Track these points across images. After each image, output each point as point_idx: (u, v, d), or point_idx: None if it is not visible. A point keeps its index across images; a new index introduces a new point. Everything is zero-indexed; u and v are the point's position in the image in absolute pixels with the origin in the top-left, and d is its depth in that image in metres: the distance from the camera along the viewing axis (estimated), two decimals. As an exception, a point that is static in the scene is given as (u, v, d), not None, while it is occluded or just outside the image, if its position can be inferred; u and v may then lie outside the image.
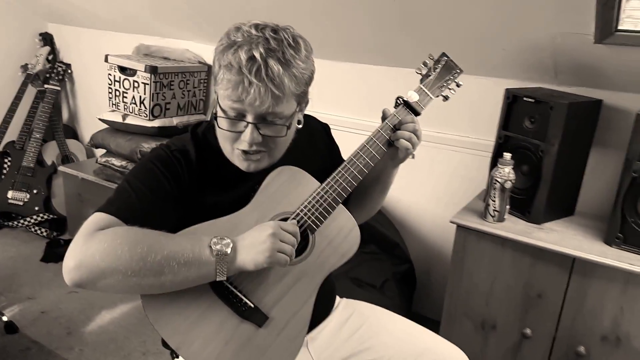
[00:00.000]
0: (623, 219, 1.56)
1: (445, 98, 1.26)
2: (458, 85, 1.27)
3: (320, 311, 1.24)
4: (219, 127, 1.03)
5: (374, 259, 2.03)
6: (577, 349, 1.59)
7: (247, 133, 1.00)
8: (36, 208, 2.96)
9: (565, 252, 1.55)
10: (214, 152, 1.09)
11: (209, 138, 1.11)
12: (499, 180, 1.65)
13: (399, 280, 2.04)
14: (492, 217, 1.69)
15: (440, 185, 2.19)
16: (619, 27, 1.45)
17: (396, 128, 1.15)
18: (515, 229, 1.67)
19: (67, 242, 2.78)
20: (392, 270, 2.04)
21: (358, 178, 1.11)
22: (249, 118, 0.99)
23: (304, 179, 1.12)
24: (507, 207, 1.69)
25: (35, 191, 2.98)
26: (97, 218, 0.97)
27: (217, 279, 0.96)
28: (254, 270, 0.99)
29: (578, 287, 1.57)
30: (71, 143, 3.27)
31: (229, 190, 1.09)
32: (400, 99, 1.19)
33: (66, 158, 3.18)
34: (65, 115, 3.50)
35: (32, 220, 2.95)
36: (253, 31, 0.98)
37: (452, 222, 1.72)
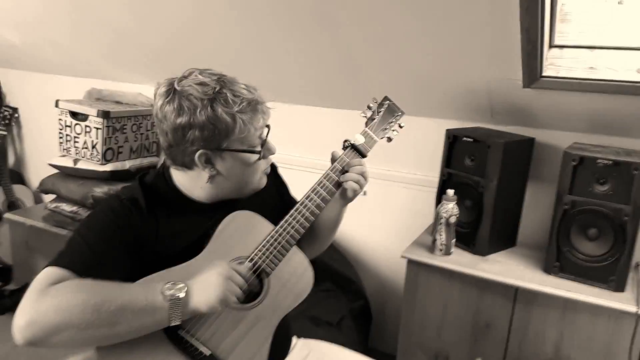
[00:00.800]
0: (558, 248, 1.67)
1: (389, 139, 1.33)
2: (400, 127, 1.34)
3: (277, 353, 1.26)
4: (257, 159, 1.12)
5: (330, 297, 2.07)
6: (525, 374, 1.67)
7: (272, 143, 1.17)
8: (-20, 257, 2.85)
9: (508, 283, 1.65)
10: (165, 200, 1.12)
11: (159, 186, 1.14)
12: (444, 215, 1.74)
13: (356, 316, 2.08)
14: (440, 250, 1.77)
15: (391, 220, 2.27)
16: (543, 74, 1.59)
17: (345, 170, 1.21)
18: (461, 261, 1.76)
19: (13, 293, 2.71)
20: (348, 306, 2.07)
21: (311, 219, 1.16)
22: (264, 135, 1.13)
23: (258, 223, 1.16)
24: (453, 240, 1.78)
25: (-21, 239, 2.87)
26: (49, 272, 0.96)
27: (172, 324, 0.97)
28: (206, 313, 1.00)
29: (522, 315, 1.66)
30: (18, 188, 3.18)
31: (182, 237, 1.11)
32: (348, 142, 1.26)
33: (12, 204, 3.09)
34: (11, 159, 3.41)
35: (-24, 271, 2.83)
36: (207, 77, 1.06)
37: (403, 256, 1.79)
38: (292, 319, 1.93)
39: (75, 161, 2.52)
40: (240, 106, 1.04)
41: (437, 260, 1.75)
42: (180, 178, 1.14)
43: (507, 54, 1.56)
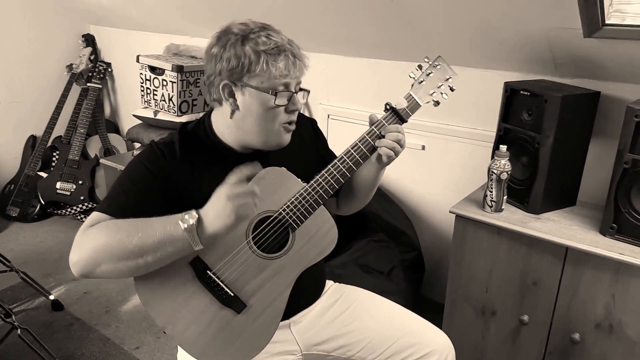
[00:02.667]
0: (617, 209, 1.58)
1: (436, 103, 1.29)
2: (452, 90, 1.30)
3: (309, 296, 1.36)
4: (275, 105, 1.14)
5: (382, 247, 2.13)
6: (572, 335, 1.64)
7: (299, 99, 1.19)
8: (82, 197, 3.22)
9: (557, 242, 1.60)
10: (201, 146, 1.21)
11: (197, 132, 1.23)
12: (495, 172, 1.71)
13: (407, 267, 2.13)
14: (490, 207, 1.75)
15: (448, 175, 2.25)
16: (607, 22, 1.47)
17: (382, 135, 1.22)
18: (512, 218, 1.72)
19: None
20: (399, 257, 2.13)
21: (340, 181, 1.20)
22: (292, 88, 1.17)
23: (288, 180, 1.21)
24: (505, 197, 1.75)
25: (80, 182, 3.24)
26: (92, 217, 1.11)
27: (196, 249, 1.03)
28: (226, 231, 1.03)
29: (572, 276, 1.61)
30: (112, 137, 3.51)
31: (214, 184, 1.14)
32: (389, 105, 1.25)
33: (108, 151, 3.43)
34: (107, 110, 3.75)
35: (78, 209, 3.21)
36: (253, 23, 1.15)
37: (451, 211, 1.79)
38: (343, 265, 2.04)
39: (155, 112, 2.73)
40: (267, 47, 1.11)
41: (486, 216, 1.74)
42: (215, 119, 1.22)
43: (563, 1, 1.45)
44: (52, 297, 2.37)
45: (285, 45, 1.13)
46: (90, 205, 3.22)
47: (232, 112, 1.16)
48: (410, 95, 1.27)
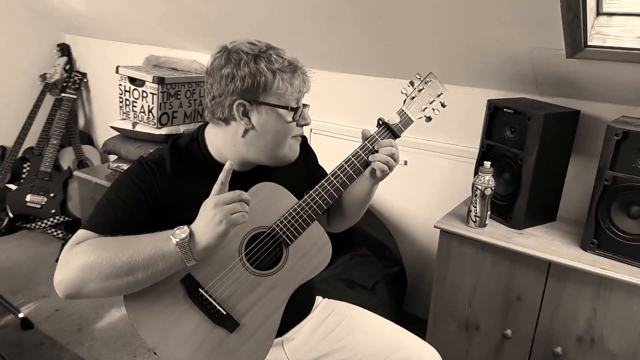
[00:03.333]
0: (597, 225, 1.63)
1: (428, 119, 1.31)
2: (443, 106, 1.32)
3: (299, 312, 1.34)
4: (292, 120, 1.16)
5: (365, 262, 2.13)
6: (555, 349, 1.66)
7: (308, 114, 1.22)
8: (53, 211, 3.12)
9: (541, 257, 1.63)
10: (194, 163, 1.19)
11: (191, 149, 1.21)
12: (479, 187, 1.73)
13: (390, 281, 2.13)
14: (474, 222, 1.77)
15: (429, 190, 2.27)
16: (589, 43, 1.52)
17: (375, 150, 1.22)
18: (495, 233, 1.75)
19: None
20: (382, 272, 2.13)
21: (334, 196, 1.20)
22: (300, 103, 1.19)
23: (282, 196, 1.20)
24: (488, 212, 1.77)
25: (52, 194, 3.14)
26: (78, 235, 1.08)
27: (188, 265, 1.02)
28: (218, 243, 1.02)
29: (554, 290, 1.64)
30: (86, 149, 3.43)
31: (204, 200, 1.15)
32: (382, 120, 1.26)
33: (81, 163, 3.34)
34: (81, 122, 3.67)
35: (49, 223, 3.11)
36: (257, 42, 1.16)
37: (436, 226, 1.80)
38: (327, 280, 2.03)
39: (134, 124, 2.68)
40: (282, 65, 1.12)
41: (471, 231, 1.75)
42: (215, 137, 1.20)
43: (548, 23, 1.50)
44: (21, 315, 2.27)
45: (296, 63, 1.16)
46: (62, 219, 3.12)
47: (246, 131, 1.16)
48: (403, 110, 1.28)
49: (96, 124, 3.62)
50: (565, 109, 1.79)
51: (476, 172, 1.85)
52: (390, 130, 1.26)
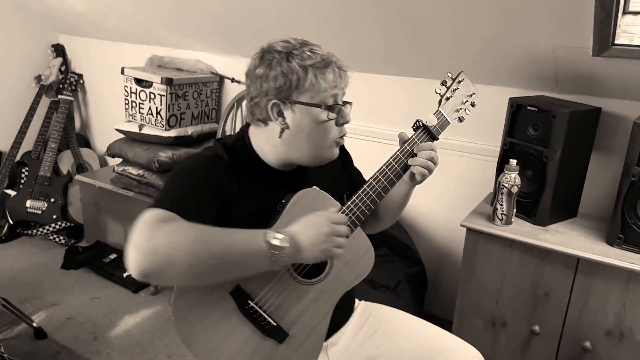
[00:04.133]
0: (623, 220, 1.65)
1: (461, 120, 1.32)
2: (473, 106, 1.33)
3: (342, 316, 1.33)
4: (327, 119, 1.13)
5: (386, 262, 2.13)
6: (584, 344, 1.69)
7: (348, 112, 1.18)
8: (54, 216, 3.05)
9: (570, 253, 1.65)
10: (243, 162, 1.17)
11: (238, 148, 1.19)
12: (506, 185, 1.75)
13: (411, 281, 2.14)
14: (500, 220, 1.79)
15: (448, 189, 2.28)
16: (616, 42, 1.54)
17: (414, 153, 1.22)
18: (522, 231, 1.77)
19: (85, 249, 2.91)
20: (404, 272, 2.13)
21: (376, 201, 1.18)
22: (339, 100, 1.16)
23: (325, 202, 1.18)
24: (514, 210, 1.79)
25: (52, 200, 3.07)
26: (156, 212, 0.98)
27: (273, 269, 1.03)
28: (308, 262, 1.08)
29: (583, 286, 1.66)
30: (84, 152, 3.36)
31: (254, 202, 1.15)
32: (420, 122, 1.25)
33: (80, 167, 3.27)
34: (77, 124, 3.58)
35: (50, 229, 3.04)
36: (292, 39, 1.14)
37: (462, 225, 1.81)
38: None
39: (141, 127, 2.64)
40: (314, 61, 1.09)
41: (497, 229, 1.77)
42: (257, 138, 1.18)
43: (577, 22, 1.52)
44: (35, 325, 2.21)
45: (330, 57, 1.13)
46: (63, 224, 3.05)
47: (282, 131, 1.13)
48: (440, 112, 1.28)
49: (93, 127, 3.55)
50: (588, 106, 1.81)
51: (499, 170, 1.86)
52: (429, 133, 1.25)
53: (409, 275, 2.13)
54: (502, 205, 1.77)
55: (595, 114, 1.82)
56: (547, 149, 1.75)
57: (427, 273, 2.30)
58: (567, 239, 1.73)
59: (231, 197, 1.12)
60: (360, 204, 1.17)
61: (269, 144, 1.17)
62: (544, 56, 1.77)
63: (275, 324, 1.11)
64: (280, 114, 1.12)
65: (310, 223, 1.05)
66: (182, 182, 1.08)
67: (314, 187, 1.19)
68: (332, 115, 1.13)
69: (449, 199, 2.29)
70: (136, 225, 0.95)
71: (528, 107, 1.80)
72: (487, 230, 1.77)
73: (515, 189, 1.74)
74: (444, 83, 1.30)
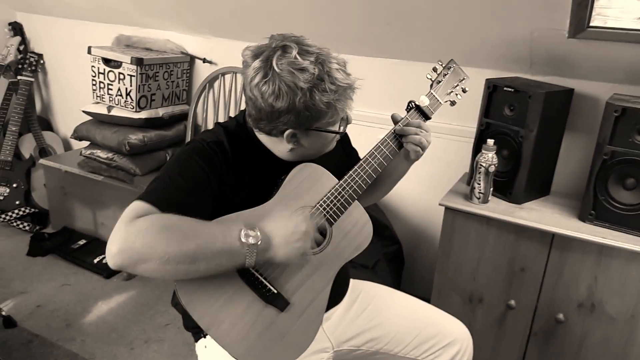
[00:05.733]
0: (595, 197, 1.72)
1: (452, 103, 1.38)
2: (464, 91, 1.39)
3: (337, 295, 1.34)
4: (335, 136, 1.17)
5: (365, 241, 2.14)
6: (557, 316, 1.76)
7: (350, 115, 1.19)
8: (17, 202, 2.93)
9: (545, 229, 1.70)
10: (247, 148, 1.17)
11: (241, 136, 1.18)
12: (483, 164, 1.78)
13: (390, 260, 2.17)
14: (478, 199, 1.83)
15: (424, 170, 2.31)
16: (591, 24, 1.58)
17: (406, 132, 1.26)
18: (498, 209, 1.81)
19: (51, 236, 2.81)
20: (382, 251, 2.16)
21: (372, 176, 1.23)
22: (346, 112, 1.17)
23: (323, 176, 1.21)
24: (491, 189, 1.83)
25: (15, 185, 2.94)
26: (137, 206, 1.00)
27: (246, 266, 1.03)
28: (280, 263, 1.08)
29: (557, 260, 1.73)
30: (47, 135, 3.23)
31: (256, 181, 1.17)
32: (412, 103, 1.30)
33: (43, 151, 3.15)
34: (38, 106, 3.44)
35: (14, 215, 2.92)
36: (305, 60, 1.05)
37: (441, 204, 1.85)
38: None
39: (109, 108, 2.55)
40: (336, 95, 1.07)
41: (475, 207, 1.81)
42: (260, 135, 1.19)
43: (554, 3, 1.55)
44: (3, 313, 2.13)
45: (350, 84, 1.10)
46: (27, 210, 2.94)
47: (292, 149, 1.16)
48: (432, 93, 1.34)
49: (56, 109, 3.41)
50: (561, 87, 1.86)
51: (476, 150, 1.90)
52: (421, 112, 1.31)
53: (387, 254, 2.16)
54: (479, 184, 1.81)
55: (568, 95, 1.88)
56: (522, 129, 1.79)
57: (404, 252, 2.33)
58: (542, 215, 1.79)
59: (231, 184, 1.12)
60: (356, 178, 1.21)
61: (274, 148, 1.19)
62: (521, 38, 1.81)
63: (276, 292, 1.12)
64: (295, 137, 1.13)
65: (288, 220, 1.07)
66: (173, 174, 1.07)
67: (311, 163, 1.20)
68: (341, 128, 1.17)
69: (424, 179, 2.32)
70: (118, 220, 0.99)
71: (505, 88, 1.83)
72: (465, 209, 1.81)
73: (492, 168, 1.78)
74: (434, 70, 1.36)
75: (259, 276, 1.11)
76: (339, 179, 1.21)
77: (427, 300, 1.95)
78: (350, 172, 1.21)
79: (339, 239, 1.21)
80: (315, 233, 1.12)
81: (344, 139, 1.42)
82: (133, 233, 0.95)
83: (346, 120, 1.18)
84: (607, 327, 1.70)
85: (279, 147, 1.17)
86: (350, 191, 1.20)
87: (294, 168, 1.18)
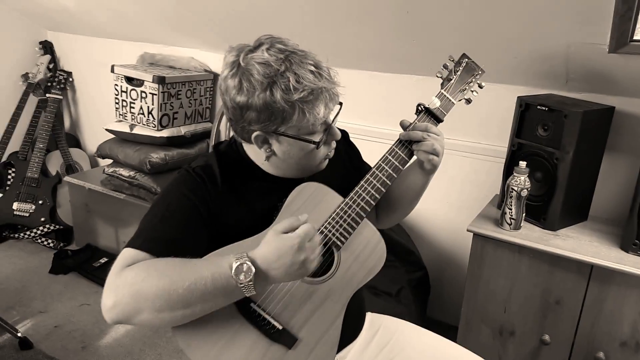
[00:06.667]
0: (639, 225, 1.58)
1: (468, 101, 1.24)
2: (480, 87, 1.24)
3: (352, 330, 1.25)
4: (317, 147, 1.05)
5: (389, 267, 2.03)
6: (597, 354, 1.61)
7: (336, 129, 1.08)
8: (42, 219, 2.94)
9: (583, 260, 1.57)
10: (237, 168, 1.11)
11: (230, 154, 1.12)
12: (515, 188, 1.66)
13: (414, 287, 2.06)
14: (509, 225, 1.71)
15: (451, 191, 2.20)
16: (634, 37, 1.46)
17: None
18: (531, 236, 1.69)
19: (75, 253, 2.80)
20: (407, 277, 2.05)
21: (381, 190, 1.11)
22: (330, 119, 1.06)
23: (327, 195, 1.11)
24: (523, 214, 1.71)
25: (40, 202, 2.96)
26: (126, 254, 0.97)
27: (247, 295, 0.95)
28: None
29: (596, 294, 1.59)
30: (74, 152, 3.25)
31: (253, 206, 1.09)
32: (422, 106, 1.18)
33: (70, 167, 3.17)
34: (67, 123, 3.47)
35: (38, 232, 2.93)
36: (272, 56, 0.98)
37: (469, 230, 1.73)
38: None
39: (132, 127, 2.54)
40: (301, 94, 0.97)
41: (506, 234, 1.69)
42: (248, 148, 1.12)
43: (595, 16, 1.43)
44: (20, 335, 2.11)
45: (319, 86, 0.98)
46: (52, 227, 2.95)
47: (268, 157, 1.08)
48: (442, 93, 1.20)
49: (83, 126, 3.44)
50: (600, 105, 1.73)
51: (507, 173, 1.78)
52: (431, 115, 1.17)
53: (411, 280, 2.05)
54: (510, 209, 1.69)
55: (609, 113, 1.74)
56: (558, 150, 1.67)
57: (430, 278, 2.22)
58: (579, 244, 1.65)
59: (226, 212, 1.05)
60: (363, 194, 1.10)
61: (258, 160, 1.11)
62: (556, 53, 1.69)
63: (281, 328, 1.03)
64: (266, 142, 1.05)
65: (279, 244, 0.94)
66: (159, 211, 1.02)
67: (314, 182, 1.11)
68: (321, 143, 1.06)
69: (452, 201, 2.21)
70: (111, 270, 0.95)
71: (538, 107, 1.72)
72: (495, 236, 1.69)
73: (525, 193, 1.66)
74: (445, 66, 1.23)
75: (262, 312, 1.03)
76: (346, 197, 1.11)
77: (455, 330, 1.85)
78: (357, 188, 1.10)
79: (349, 263, 1.11)
80: (319, 251, 0.98)
81: (353, 153, 1.33)
82: (121, 286, 0.92)
83: (329, 131, 1.07)
84: (654, 369, 1.55)
85: (259, 157, 1.09)
86: (357, 209, 1.09)
87: (295, 188, 1.09)
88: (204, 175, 1.05)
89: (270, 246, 0.94)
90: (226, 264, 0.92)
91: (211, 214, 1.03)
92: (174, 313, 0.92)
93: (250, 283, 0.92)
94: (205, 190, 1.04)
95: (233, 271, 0.91)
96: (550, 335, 1.68)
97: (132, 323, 0.93)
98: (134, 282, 0.91)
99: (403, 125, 1.16)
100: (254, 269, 0.91)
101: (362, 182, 1.11)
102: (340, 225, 1.08)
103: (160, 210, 1.02)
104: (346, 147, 1.32)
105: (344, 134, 1.32)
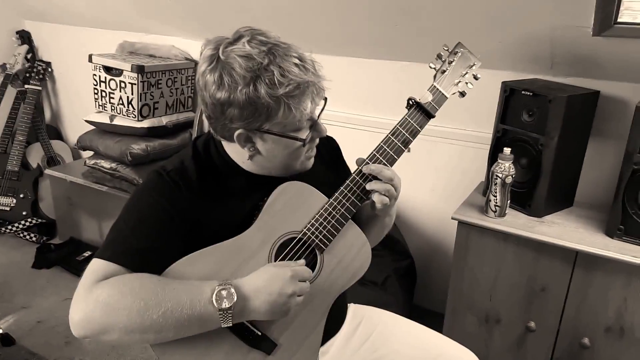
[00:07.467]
0: (624, 210, 1.56)
1: (462, 94, 1.18)
2: (476, 78, 1.19)
3: (334, 323, 1.22)
4: (303, 145, 1.01)
5: (375, 256, 2.00)
6: (582, 340, 1.61)
7: (322, 125, 1.04)
8: (24, 213, 2.89)
9: (568, 246, 1.56)
10: (217, 168, 1.06)
11: (209, 151, 1.07)
12: (499, 175, 1.64)
13: (401, 275, 2.04)
14: (494, 212, 1.69)
15: (437, 178, 2.18)
16: (618, 20, 1.43)
17: (409, 137, 1.09)
18: (516, 223, 1.67)
19: (58, 247, 2.76)
20: (393, 266, 2.03)
21: (368, 191, 1.06)
22: (316, 115, 1.02)
23: (311, 196, 1.07)
24: (508, 201, 1.69)
25: (22, 195, 2.90)
26: (96, 266, 0.93)
27: (223, 326, 0.93)
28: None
29: (581, 280, 1.58)
30: (56, 144, 3.19)
31: (233, 207, 1.05)
32: (412, 100, 1.11)
33: (51, 160, 3.11)
34: (47, 115, 3.40)
35: (20, 226, 2.88)
36: (255, 48, 0.93)
37: (453, 218, 1.71)
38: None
39: (112, 117, 2.48)
40: (287, 89, 0.92)
41: (491, 222, 1.67)
42: (227, 147, 1.07)
43: (578, -1, 1.40)
44: (1, 331, 2.07)
45: (304, 80, 0.94)
46: (34, 221, 2.90)
47: (251, 156, 1.03)
48: (435, 86, 1.14)
49: (64, 117, 3.37)
50: (585, 89, 1.71)
51: (492, 159, 1.76)
52: (423, 110, 1.11)
53: (398, 269, 2.03)
54: (495, 196, 1.67)
55: (594, 98, 1.72)
56: (542, 136, 1.65)
57: (416, 266, 2.20)
58: (565, 230, 1.64)
59: (203, 216, 1.00)
60: (349, 194, 1.06)
61: (239, 159, 1.06)
62: (540, 37, 1.66)
63: (260, 334, 1.00)
64: (249, 140, 1.00)
65: (269, 280, 0.94)
66: (130, 219, 0.97)
67: (297, 181, 1.07)
68: (307, 140, 1.02)
69: (438, 189, 2.18)
70: (80, 282, 0.92)
71: (522, 92, 1.69)
72: (480, 223, 1.67)
73: (509, 179, 1.64)
74: (439, 57, 1.17)
75: None
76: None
77: (442, 318, 1.83)
78: (342, 187, 1.06)
79: (332, 266, 1.07)
80: (304, 297, 0.99)
81: (340, 160, 1.27)
82: (92, 303, 0.88)
83: (315, 128, 1.03)
84: (638, 353, 1.54)
85: (241, 156, 1.04)
86: (342, 210, 1.05)
87: (277, 188, 1.05)
88: (178, 181, 0.99)
89: (261, 272, 0.95)
90: (208, 288, 0.90)
91: (187, 221, 0.98)
92: (145, 335, 0.89)
93: (229, 312, 0.90)
94: (181, 197, 0.98)
95: (214, 295, 0.89)
96: (535, 322, 1.68)
97: (99, 340, 0.90)
98: (107, 302, 0.88)
99: (357, 163, 1.09)
100: (236, 296, 0.90)
101: (347, 182, 1.06)
102: (324, 227, 1.04)
103: (131, 219, 0.97)
104: (332, 152, 1.27)
105: (330, 140, 1.27)
